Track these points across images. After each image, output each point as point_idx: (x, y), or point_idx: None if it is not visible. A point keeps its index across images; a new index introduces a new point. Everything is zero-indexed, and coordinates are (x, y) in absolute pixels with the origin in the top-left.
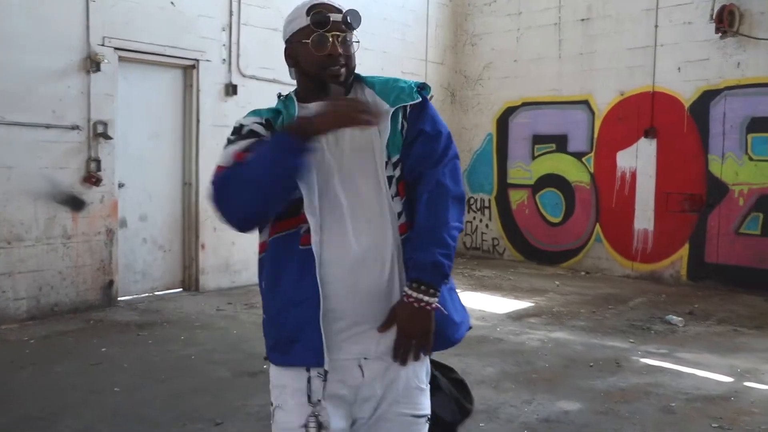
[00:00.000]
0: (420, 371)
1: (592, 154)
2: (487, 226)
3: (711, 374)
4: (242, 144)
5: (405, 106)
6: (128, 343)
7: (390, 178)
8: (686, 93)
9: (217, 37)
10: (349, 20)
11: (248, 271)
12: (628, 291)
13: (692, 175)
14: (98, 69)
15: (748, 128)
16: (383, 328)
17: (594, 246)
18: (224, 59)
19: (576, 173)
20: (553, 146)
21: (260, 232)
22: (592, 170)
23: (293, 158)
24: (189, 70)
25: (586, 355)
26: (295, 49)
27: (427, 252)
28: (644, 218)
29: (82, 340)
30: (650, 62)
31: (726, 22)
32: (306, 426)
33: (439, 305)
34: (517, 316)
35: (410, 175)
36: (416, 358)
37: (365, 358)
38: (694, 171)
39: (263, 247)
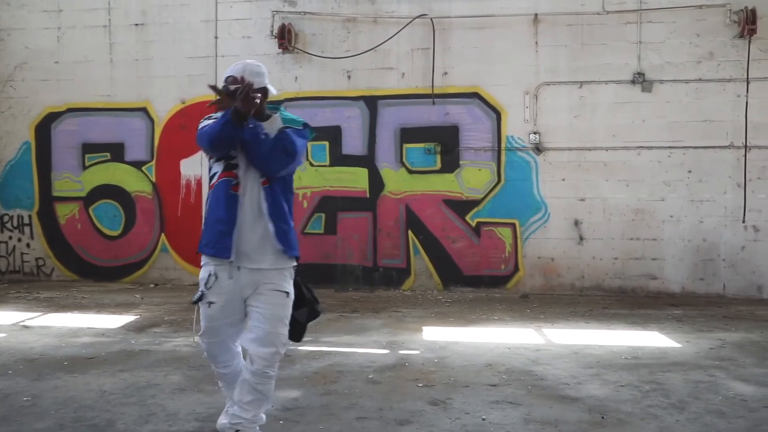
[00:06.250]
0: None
1: (153, 162)
2: (28, 245)
3: (369, 350)
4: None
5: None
6: None
7: None
8: None
9: None
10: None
11: None
12: None
13: None
14: None
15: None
16: None
17: (160, 257)
18: None
19: (136, 183)
20: (108, 155)
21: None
22: (154, 179)
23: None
24: None
25: None
26: None
27: None
28: None
29: None
30: (212, 72)
31: (287, 39)
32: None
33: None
34: (137, 329)
35: None
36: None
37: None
38: None
39: (211, 187)
